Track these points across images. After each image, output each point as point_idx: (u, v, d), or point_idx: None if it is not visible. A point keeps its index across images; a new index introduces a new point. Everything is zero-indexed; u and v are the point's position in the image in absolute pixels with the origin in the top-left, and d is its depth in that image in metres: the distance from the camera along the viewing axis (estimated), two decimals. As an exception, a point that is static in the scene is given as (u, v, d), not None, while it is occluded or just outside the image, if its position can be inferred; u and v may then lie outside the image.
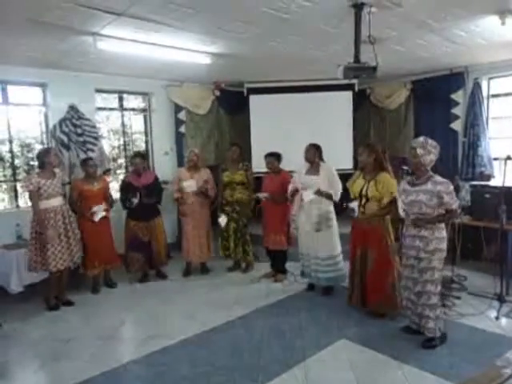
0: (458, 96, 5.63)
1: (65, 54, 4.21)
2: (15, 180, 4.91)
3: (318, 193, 4.07)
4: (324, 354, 3.09)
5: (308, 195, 4.10)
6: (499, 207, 3.81)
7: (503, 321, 3.54)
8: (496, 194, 4.17)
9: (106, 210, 4.46)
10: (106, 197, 4.54)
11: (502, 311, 3.65)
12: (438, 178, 3.03)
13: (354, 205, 3.60)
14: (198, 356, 3.11)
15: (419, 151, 3.01)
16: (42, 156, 3.98)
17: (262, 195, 4.62)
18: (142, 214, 4.68)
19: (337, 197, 4.10)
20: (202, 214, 4.97)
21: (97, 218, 4.35)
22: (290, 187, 4.30)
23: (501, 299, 3.79)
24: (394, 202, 3.41)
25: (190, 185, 4.80)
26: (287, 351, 3.14)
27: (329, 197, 4.08)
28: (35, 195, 3.86)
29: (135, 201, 4.56)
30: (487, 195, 4.38)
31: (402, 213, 3.22)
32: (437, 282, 3.08)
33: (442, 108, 5.78)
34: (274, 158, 4.62)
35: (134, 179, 4.72)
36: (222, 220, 4.84)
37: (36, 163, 4.22)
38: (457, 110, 5.67)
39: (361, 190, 3.59)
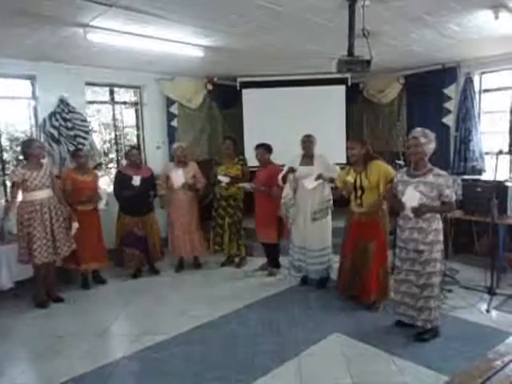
0: (451, 91, 5.64)
1: (54, 46, 4.12)
2: (4, 174, 4.82)
3: (320, 177, 4.05)
4: (317, 348, 3.10)
5: (311, 181, 4.08)
6: (491, 201, 3.85)
7: (494, 313, 3.59)
8: (487, 188, 4.21)
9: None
10: (97, 189, 4.50)
11: (492, 304, 3.69)
12: (439, 171, 3.03)
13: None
14: (191, 351, 3.10)
15: (422, 140, 3.01)
16: (25, 148, 3.90)
17: (246, 185, 4.59)
18: (136, 208, 4.64)
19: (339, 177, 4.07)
20: (191, 209, 4.94)
21: (99, 207, 4.43)
22: (284, 170, 4.25)
23: (491, 292, 3.83)
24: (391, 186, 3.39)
25: (177, 180, 4.76)
26: (280, 346, 3.14)
27: (332, 180, 4.06)
28: (17, 188, 3.81)
29: (129, 193, 4.53)
30: (479, 189, 4.43)
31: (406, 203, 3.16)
32: (439, 274, 3.12)
33: (435, 103, 5.79)
34: (263, 149, 4.58)
35: (132, 172, 4.66)
36: (224, 178, 4.80)
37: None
38: (449, 105, 5.68)
39: (355, 183, 3.60)
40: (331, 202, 4.20)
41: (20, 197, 3.90)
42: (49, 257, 3.95)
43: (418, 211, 2.98)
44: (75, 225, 4.17)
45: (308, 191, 4.16)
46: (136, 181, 4.52)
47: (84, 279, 4.55)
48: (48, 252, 3.93)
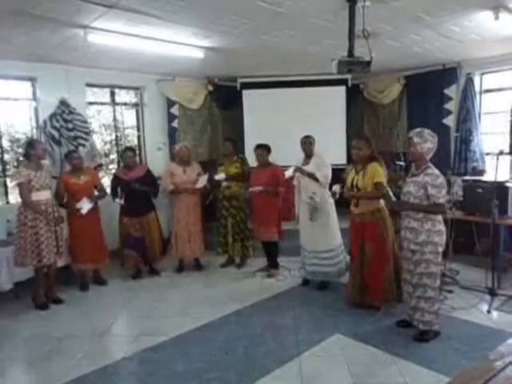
0: (451, 91, 5.65)
1: (55, 48, 4.13)
2: (5, 176, 4.82)
3: (299, 170, 4.16)
4: (318, 349, 3.09)
5: (288, 172, 4.23)
6: (491, 202, 3.84)
7: (495, 314, 3.58)
8: (488, 188, 4.20)
9: (95, 202, 4.38)
10: (94, 189, 4.45)
11: (493, 305, 3.68)
12: (432, 170, 3.00)
13: (336, 188, 3.77)
14: (191, 352, 3.10)
15: (415, 140, 3.03)
16: (29, 148, 3.90)
17: (255, 189, 4.59)
18: (134, 210, 4.63)
19: (324, 179, 4.07)
20: (194, 209, 4.94)
21: (84, 211, 4.22)
22: (290, 170, 4.26)
23: (492, 293, 3.82)
24: (381, 188, 3.40)
25: (203, 180, 4.81)
26: (281, 346, 3.14)
27: (311, 176, 4.09)
28: (26, 187, 3.79)
29: (121, 202, 4.54)
30: (479, 190, 4.41)
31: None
32: (435, 276, 3.04)
33: (435, 103, 5.80)
34: (262, 149, 4.60)
35: (123, 173, 4.67)
36: (220, 176, 4.81)
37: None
38: (449, 106, 5.69)
39: (352, 182, 3.60)
40: (324, 204, 4.10)
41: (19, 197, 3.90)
42: (55, 257, 3.97)
43: (395, 207, 3.23)
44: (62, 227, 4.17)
45: (304, 192, 4.16)
46: (121, 202, 4.54)
47: (83, 280, 4.54)
48: (54, 252, 3.95)
